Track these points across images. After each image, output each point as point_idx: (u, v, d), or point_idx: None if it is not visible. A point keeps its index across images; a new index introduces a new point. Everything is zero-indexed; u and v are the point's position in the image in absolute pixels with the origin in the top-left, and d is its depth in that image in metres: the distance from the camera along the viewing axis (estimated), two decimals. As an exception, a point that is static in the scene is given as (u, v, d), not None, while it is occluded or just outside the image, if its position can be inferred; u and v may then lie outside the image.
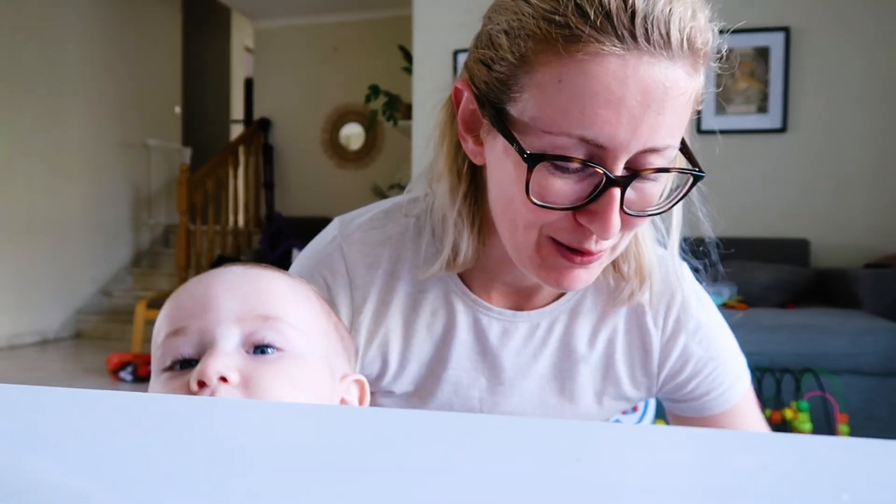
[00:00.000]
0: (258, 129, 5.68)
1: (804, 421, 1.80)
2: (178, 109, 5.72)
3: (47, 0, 4.42)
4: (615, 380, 0.67)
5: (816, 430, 1.86)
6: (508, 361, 0.65)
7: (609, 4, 0.45)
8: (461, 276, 0.65)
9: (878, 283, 2.31)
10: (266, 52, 5.82)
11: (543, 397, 0.66)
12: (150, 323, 4.13)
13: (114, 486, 0.24)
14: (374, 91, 4.25)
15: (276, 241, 5.07)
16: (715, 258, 0.65)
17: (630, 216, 0.50)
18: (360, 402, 0.49)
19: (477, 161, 0.57)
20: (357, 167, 5.62)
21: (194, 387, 0.38)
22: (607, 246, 0.52)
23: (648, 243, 0.63)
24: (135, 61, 5.17)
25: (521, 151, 0.49)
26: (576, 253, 0.51)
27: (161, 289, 4.81)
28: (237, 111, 7.10)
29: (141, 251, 5.36)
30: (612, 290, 0.66)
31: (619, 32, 0.45)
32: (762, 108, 3.16)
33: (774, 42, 3.11)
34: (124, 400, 0.36)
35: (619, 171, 0.48)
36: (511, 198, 0.52)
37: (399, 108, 4.18)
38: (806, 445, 0.28)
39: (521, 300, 0.66)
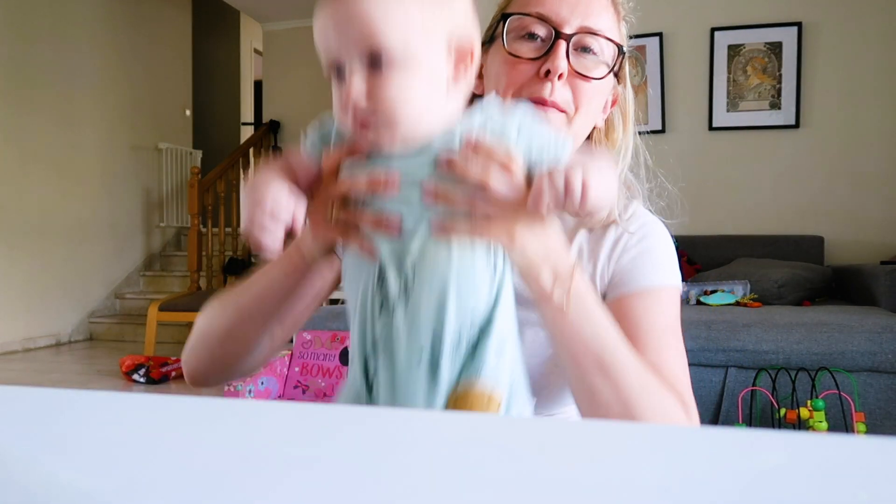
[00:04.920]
0: (268, 131, 5.70)
1: (820, 420, 1.78)
2: (188, 112, 5.76)
3: (59, 5, 4.46)
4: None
5: (832, 429, 1.83)
6: None
7: None
8: None
9: (895, 279, 2.28)
10: (275, 54, 5.84)
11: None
12: (163, 325, 4.12)
13: (128, 486, 0.24)
14: (384, 92, 4.25)
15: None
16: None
17: (578, 76, 0.70)
18: (472, 57, 0.59)
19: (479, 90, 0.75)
20: (367, 168, 5.62)
21: (350, 103, 0.54)
22: (562, 95, 0.69)
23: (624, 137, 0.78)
24: (146, 65, 5.21)
25: (501, 15, 0.72)
26: (540, 105, 0.69)
27: (173, 291, 4.85)
28: (247, 114, 7.13)
29: (153, 254, 5.40)
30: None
31: None
32: (775, 104, 3.14)
33: (787, 37, 3.08)
34: (138, 402, 0.36)
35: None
36: (498, 71, 0.71)
37: (408, 109, 4.18)
38: (822, 444, 0.27)
39: None
